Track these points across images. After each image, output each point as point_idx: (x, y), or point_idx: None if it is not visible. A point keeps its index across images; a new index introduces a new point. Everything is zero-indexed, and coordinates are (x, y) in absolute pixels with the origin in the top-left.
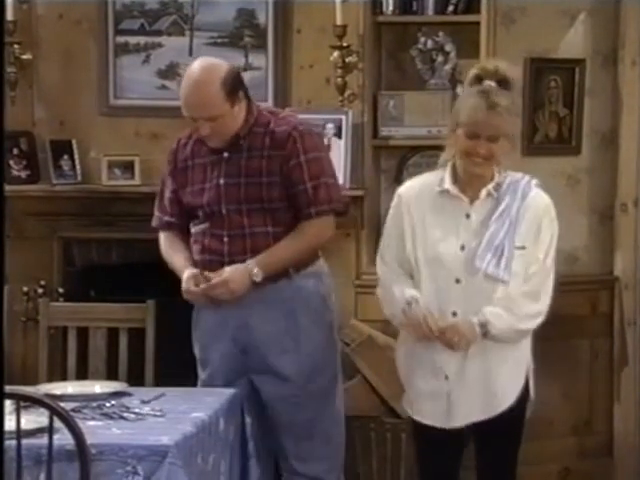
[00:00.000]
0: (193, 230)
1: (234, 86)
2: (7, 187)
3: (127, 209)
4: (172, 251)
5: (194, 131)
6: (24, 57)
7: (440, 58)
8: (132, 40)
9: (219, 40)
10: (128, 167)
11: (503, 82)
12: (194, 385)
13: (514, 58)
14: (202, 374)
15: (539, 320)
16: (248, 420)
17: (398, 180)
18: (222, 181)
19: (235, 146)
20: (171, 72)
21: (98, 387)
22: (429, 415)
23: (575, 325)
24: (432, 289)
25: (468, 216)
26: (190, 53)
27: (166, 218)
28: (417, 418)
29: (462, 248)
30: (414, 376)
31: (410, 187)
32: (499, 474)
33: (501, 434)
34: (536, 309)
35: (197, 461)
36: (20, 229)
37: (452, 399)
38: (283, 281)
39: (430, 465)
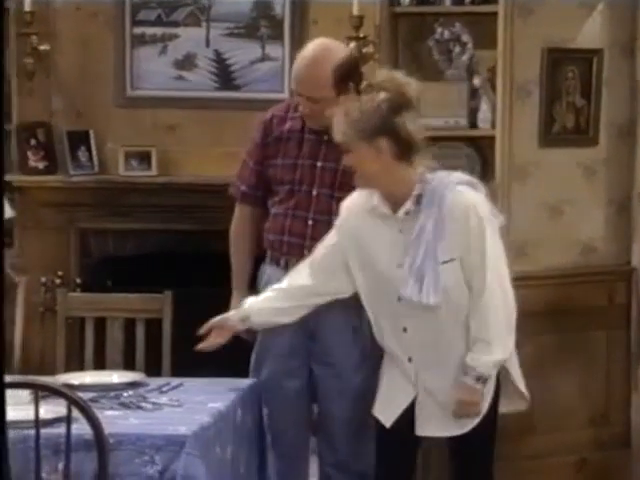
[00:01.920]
0: (273, 210)
1: (346, 75)
2: (24, 178)
3: (143, 200)
4: (236, 252)
5: (296, 106)
6: (42, 48)
7: (457, 49)
8: (149, 31)
9: (236, 31)
10: (145, 158)
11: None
12: (211, 375)
13: (531, 48)
14: (260, 359)
15: (506, 352)
16: (265, 411)
17: None
18: (319, 163)
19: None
20: (188, 63)
21: (116, 377)
22: (384, 412)
23: (592, 316)
24: (378, 308)
25: (401, 231)
26: (207, 44)
27: (243, 188)
28: (373, 412)
29: (399, 266)
30: (384, 374)
31: (352, 202)
32: (473, 476)
33: (471, 444)
34: (495, 356)
35: (215, 451)
36: (37, 220)
37: (418, 404)
38: None
39: (386, 465)
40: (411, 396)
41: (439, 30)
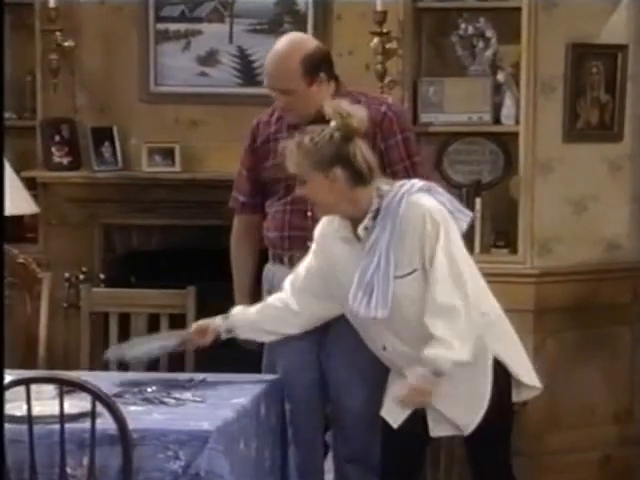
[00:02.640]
0: (273, 208)
1: (315, 66)
2: (49, 174)
3: (167, 196)
4: (238, 264)
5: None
6: (66, 44)
7: (481, 44)
8: (172, 27)
9: (259, 27)
10: (168, 154)
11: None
12: (234, 371)
13: (555, 44)
14: (274, 354)
15: (465, 352)
16: (288, 407)
17: (438, 167)
18: None
19: (321, 123)
20: (211, 59)
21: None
22: (391, 412)
23: (616, 312)
24: (359, 328)
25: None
26: (230, 40)
27: (241, 198)
28: (382, 412)
29: None
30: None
31: (323, 225)
32: (491, 473)
33: (485, 441)
34: (456, 355)
35: (239, 447)
36: (61, 216)
37: (429, 411)
38: None
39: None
40: None
41: (463, 25)
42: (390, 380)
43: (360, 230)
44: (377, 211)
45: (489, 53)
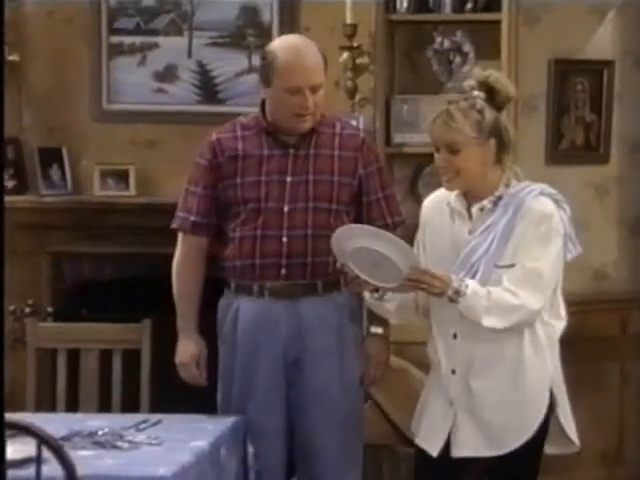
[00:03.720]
0: (237, 234)
1: (326, 62)
2: None
3: (121, 222)
4: (185, 290)
5: (243, 125)
6: (11, 58)
7: (458, 59)
8: (127, 40)
9: (220, 40)
10: (122, 177)
11: (491, 93)
12: (193, 411)
13: (537, 59)
14: (232, 388)
15: (512, 319)
16: (251, 450)
17: (413, 191)
18: (289, 179)
19: (302, 143)
20: (168, 74)
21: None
22: (429, 440)
23: (604, 347)
24: (433, 310)
25: (470, 232)
26: (189, 54)
27: (193, 218)
28: (418, 441)
29: (456, 267)
30: (426, 398)
31: (431, 198)
32: None
33: (511, 472)
34: (512, 303)
35: None
36: (6, 243)
37: (455, 425)
38: (335, 293)
39: None
40: (450, 419)
41: (439, 39)
42: (425, 400)
43: (475, 209)
44: (499, 198)
45: (467, 69)
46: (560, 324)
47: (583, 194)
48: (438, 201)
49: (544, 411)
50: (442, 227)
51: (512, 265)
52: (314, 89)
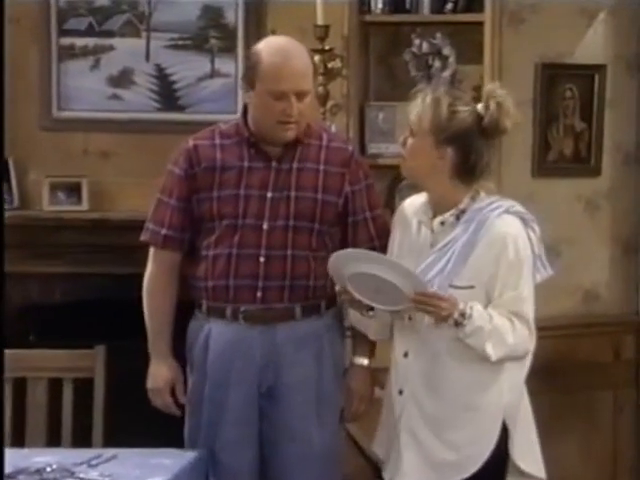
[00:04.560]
0: (209, 252)
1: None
2: None
3: (73, 239)
4: (156, 308)
5: (222, 132)
6: None
7: (437, 63)
8: (79, 42)
9: (180, 42)
10: (74, 190)
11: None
12: (150, 445)
13: (523, 63)
14: (201, 420)
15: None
16: None
17: (389, 205)
18: (270, 194)
19: (286, 155)
20: (124, 79)
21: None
22: (385, 467)
23: (596, 373)
24: (394, 328)
25: (432, 245)
26: (147, 57)
27: (164, 231)
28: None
29: None
30: (380, 420)
31: (407, 204)
32: None
33: None
34: (509, 338)
35: None
36: None
37: (399, 451)
38: (314, 318)
39: None
40: (396, 442)
41: (417, 42)
42: (379, 423)
43: (436, 222)
44: (462, 212)
45: (447, 74)
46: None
47: (572, 209)
48: (407, 213)
49: (492, 444)
50: (411, 235)
51: (470, 287)
52: (300, 96)
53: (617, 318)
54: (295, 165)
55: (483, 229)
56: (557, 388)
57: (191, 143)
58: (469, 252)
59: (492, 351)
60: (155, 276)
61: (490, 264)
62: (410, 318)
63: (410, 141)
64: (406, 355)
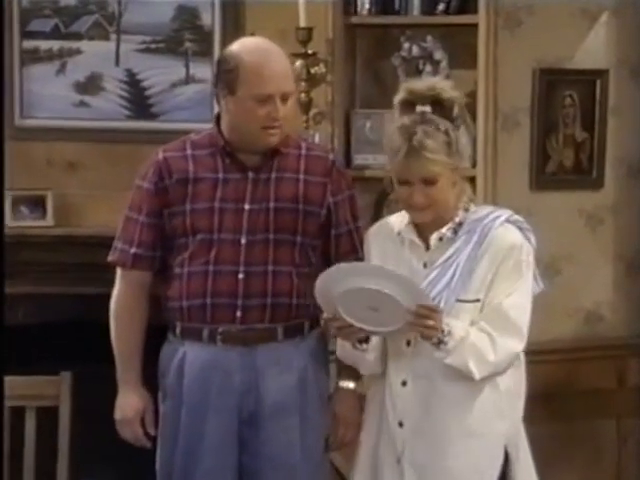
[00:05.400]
0: (184, 269)
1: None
2: None
3: (37, 257)
4: (125, 333)
5: (193, 143)
6: None
7: (428, 68)
8: (43, 45)
9: (153, 45)
10: (38, 204)
11: (439, 106)
12: (119, 476)
13: (520, 68)
14: (175, 451)
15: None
16: None
17: (377, 220)
18: (247, 206)
19: (263, 165)
20: (92, 85)
21: None
22: None
23: (599, 401)
24: (388, 353)
25: (425, 265)
26: (117, 62)
27: (134, 250)
28: None
29: None
30: (369, 452)
31: (378, 226)
32: None
33: None
34: (489, 353)
35: None
36: None
37: None
38: (297, 339)
39: None
40: (397, 477)
41: (406, 45)
42: (365, 454)
43: (434, 239)
44: (459, 225)
45: (439, 79)
46: (521, 373)
47: (573, 224)
48: (387, 231)
49: (496, 473)
50: (398, 259)
51: (477, 300)
52: (284, 98)
53: (621, 341)
54: (273, 175)
55: (487, 240)
56: (556, 417)
57: (161, 155)
58: (474, 264)
59: (475, 369)
60: (123, 298)
61: (492, 275)
62: (409, 344)
63: (432, 189)
64: (405, 384)
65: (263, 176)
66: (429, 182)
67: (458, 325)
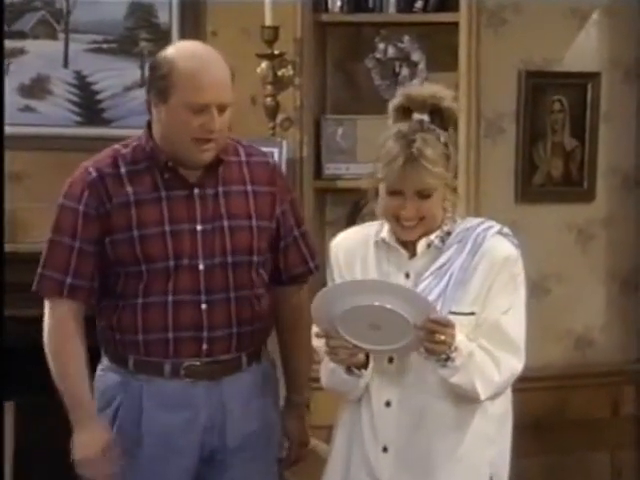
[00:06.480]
0: (139, 300)
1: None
2: None
3: None
4: (71, 369)
5: (126, 156)
6: None
7: (405, 71)
8: None
9: (105, 45)
10: None
11: (438, 115)
12: None
13: (505, 70)
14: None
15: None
16: None
17: None
18: (200, 227)
19: (207, 179)
20: (38, 89)
21: None
22: None
23: (591, 431)
24: (373, 374)
25: (407, 275)
26: (65, 63)
27: (70, 280)
28: None
29: None
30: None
31: (344, 237)
32: None
33: None
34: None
35: None
36: None
37: None
38: (254, 365)
39: None
40: None
41: (381, 46)
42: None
43: (421, 245)
44: (448, 233)
45: (416, 83)
46: (508, 398)
47: (562, 239)
48: (355, 238)
49: None
50: (370, 267)
51: (472, 313)
52: (222, 109)
53: (615, 367)
54: (220, 189)
55: (480, 250)
56: (547, 448)
57: (94, 174)
58: (468, 275)
59: (481, 389)
60: (60, 331)
61: (486, 289)
62: (391, 361)
63: (425, 202)
64: (389, 404)
65: (210, 191)
66: (423, 195)
67: (463, 340)
